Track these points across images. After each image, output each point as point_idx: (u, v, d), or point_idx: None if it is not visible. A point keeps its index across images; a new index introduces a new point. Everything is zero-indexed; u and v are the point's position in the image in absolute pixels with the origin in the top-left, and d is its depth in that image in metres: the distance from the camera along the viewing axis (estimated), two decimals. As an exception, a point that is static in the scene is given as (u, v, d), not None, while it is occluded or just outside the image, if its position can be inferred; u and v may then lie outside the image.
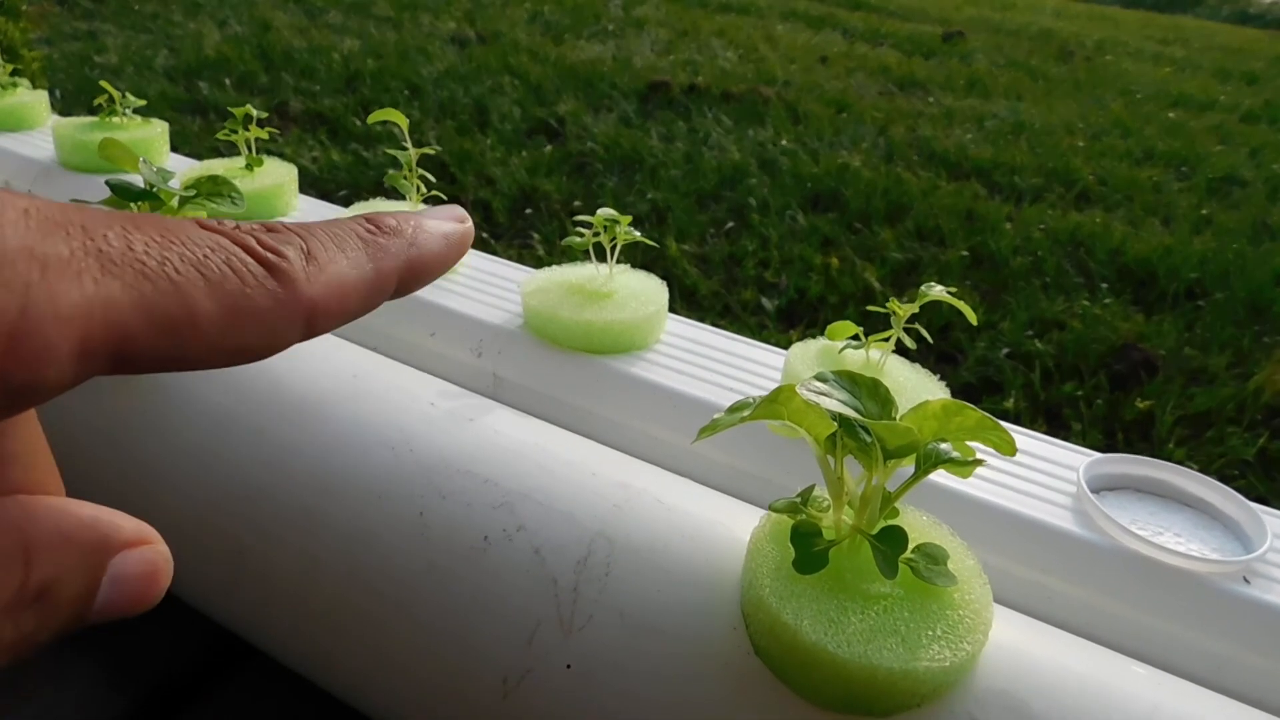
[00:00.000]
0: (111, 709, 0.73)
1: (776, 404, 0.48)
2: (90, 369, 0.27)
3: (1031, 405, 2.37)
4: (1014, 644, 0.52)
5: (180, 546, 0.68)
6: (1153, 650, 0.61)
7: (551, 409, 0.82)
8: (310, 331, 0.32)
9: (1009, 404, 2.31)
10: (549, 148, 3.92)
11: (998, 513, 0.67)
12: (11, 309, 0.25)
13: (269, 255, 0.31)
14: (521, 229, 3.13)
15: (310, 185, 3.01)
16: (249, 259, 0.30)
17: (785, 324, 2.66)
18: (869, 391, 0.49)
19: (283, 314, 0.31)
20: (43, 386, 0.25)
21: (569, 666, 0.55)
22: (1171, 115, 5.42)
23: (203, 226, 0.31)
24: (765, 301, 2.74)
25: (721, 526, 0.60)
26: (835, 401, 0.47)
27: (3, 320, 0.24)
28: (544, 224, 3.11)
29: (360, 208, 1.00)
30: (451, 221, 0.42)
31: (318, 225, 0.35)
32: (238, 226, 0.32)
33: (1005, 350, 2.53)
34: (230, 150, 1.14)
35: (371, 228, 0.37)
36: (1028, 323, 2.68)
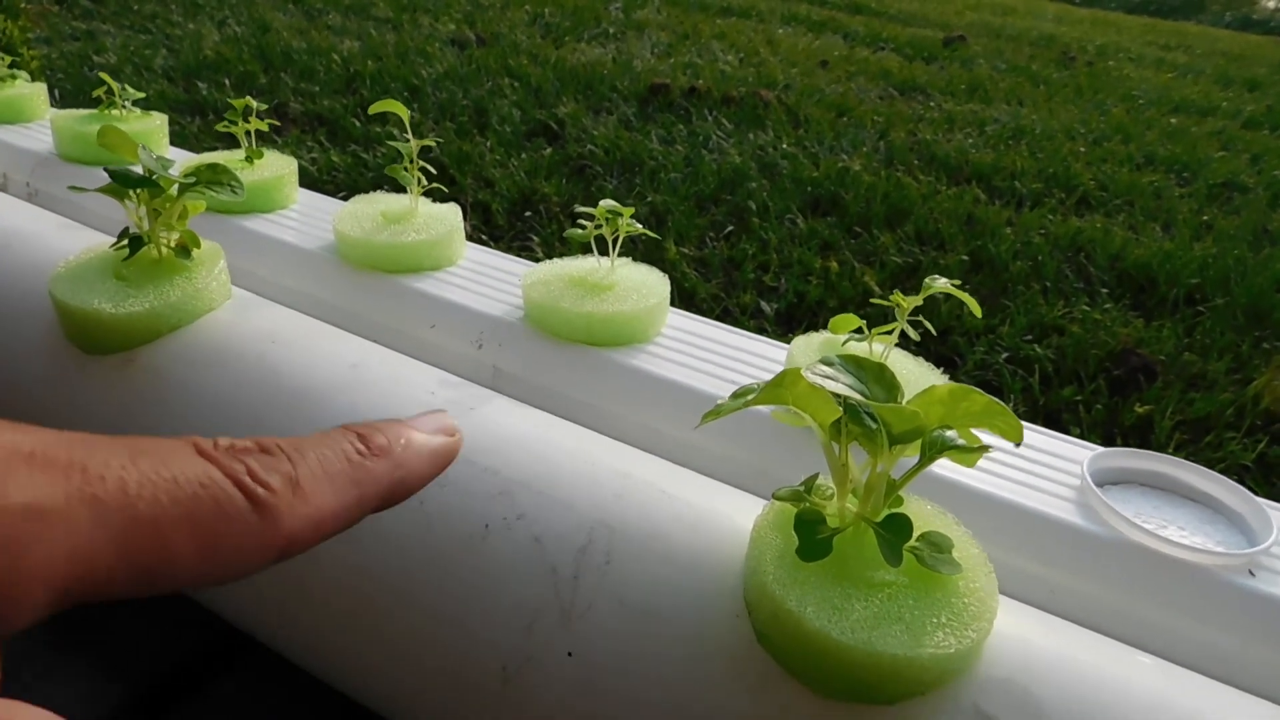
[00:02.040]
0: (107, 702, 0.73)
1: (781, 388, 0.48)
2: (58, 609, 0.28)
3: (1031, 409, 2.37)
4: (1019, 633, 0.51)
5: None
6: (1158, 643, 0.61)
7: (552, 401, 0.81)
8: (280, 560, 0.34)
9: (1009, 408, 2.29)
10: (548, 150, 3.91)
11: (1002, 506, 0.66)
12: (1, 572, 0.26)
13: (257, 490, 0.32)
14: (521, 231, 3.12)
15: (309, 186, 2.97)
16: (236, 494, 0.32)
17: (784, 328, 2.65)
18: (875, 376, 0.48)
19: (258, 548, 0.32)
20: (7, 630, 0.27)
21: (570, 654, 0.55)
22: (1173, 121, 5.42)
23: (200, 453, 0.32)
24: (764, 305, 2.74)
25: (723, 515, 0.60)
26: (841, 385, 0.46)
27: None
28: (543, 226, 3.11)
29: (359, 202, 1.00)
30: (441, 435, 0.42)
31: (310, 443, 0.36)
32: (232, 447, 0.33)
33: (1005, 354, 2.53)
34: (231, 146, 1.13)
35: (362, 448, 0.37)
36: (1027, 327, 2.67)
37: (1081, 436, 2.30)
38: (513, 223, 3.18)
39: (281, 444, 0.35)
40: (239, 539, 0.31)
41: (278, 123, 1.04)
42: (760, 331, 2.80)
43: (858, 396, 0.46)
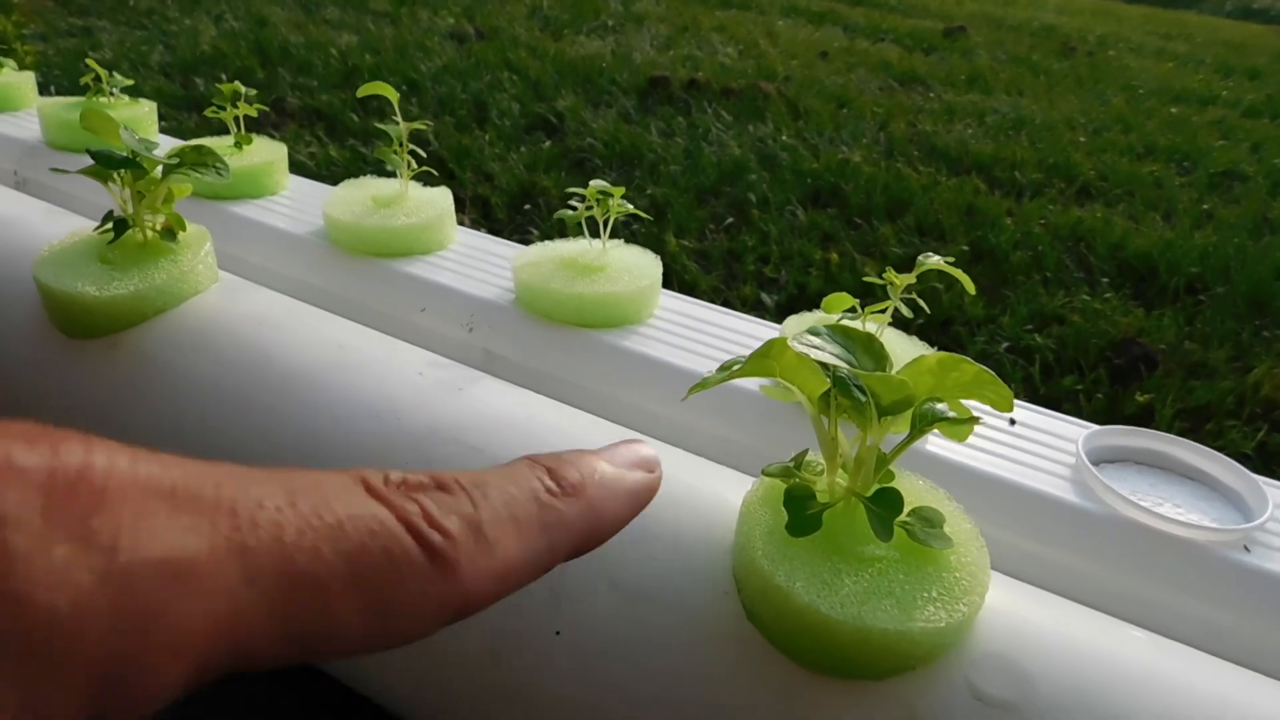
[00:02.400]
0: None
1: (768, 359, 0.47)
2: (196, 686, 0.24)
3: (1032, 399, 2.35)
4: (1011, 608, 0.51)
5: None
6: (1153, 619, 0.60)
7: (544, 383, 0.81)
8: (456, 621, 0.29)
9: (1009, 397, 2.29)
10: (548, 144, 3.90)
11: (998, 483, 0.66)
12: (128, 646, 0.22)
13: (433, 537, 0.28)
14: (520, 225, 3.12)
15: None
16: (410, 543, 0.27)
17: (784, 319, 2.64)
18: (863, 346, 0.48)
19: (433, 609, 0.28)
20: (135, 715, 0.23)
21: (558, 633, 0.54)
22: (1173, 110, 5.40)
23: (368, 489, 0.28)
24: (765, 297, 2.73)
25: (713, 493, 0.59)
26: (828, 354, 0.46)
27: (114, 658, 0.22)
28: (543, 220, 3.10)
29: (349, 186, 0.99)
30: (639, 472, 0.38)
31: (493, 480, 0.32)
32: (405, 482, 0.29)
33: (1005, 344, 2.52)
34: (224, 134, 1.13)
35: (552, 485, 0.33)
36: (1028, 317, 2.66)
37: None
38: (512, 216, 3.18)
39: (460, 479, 0.30)
40: (412, 598, 0.27)
41: (266, 108, 1.03)
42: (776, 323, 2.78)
43: (845, 366, 0.46)
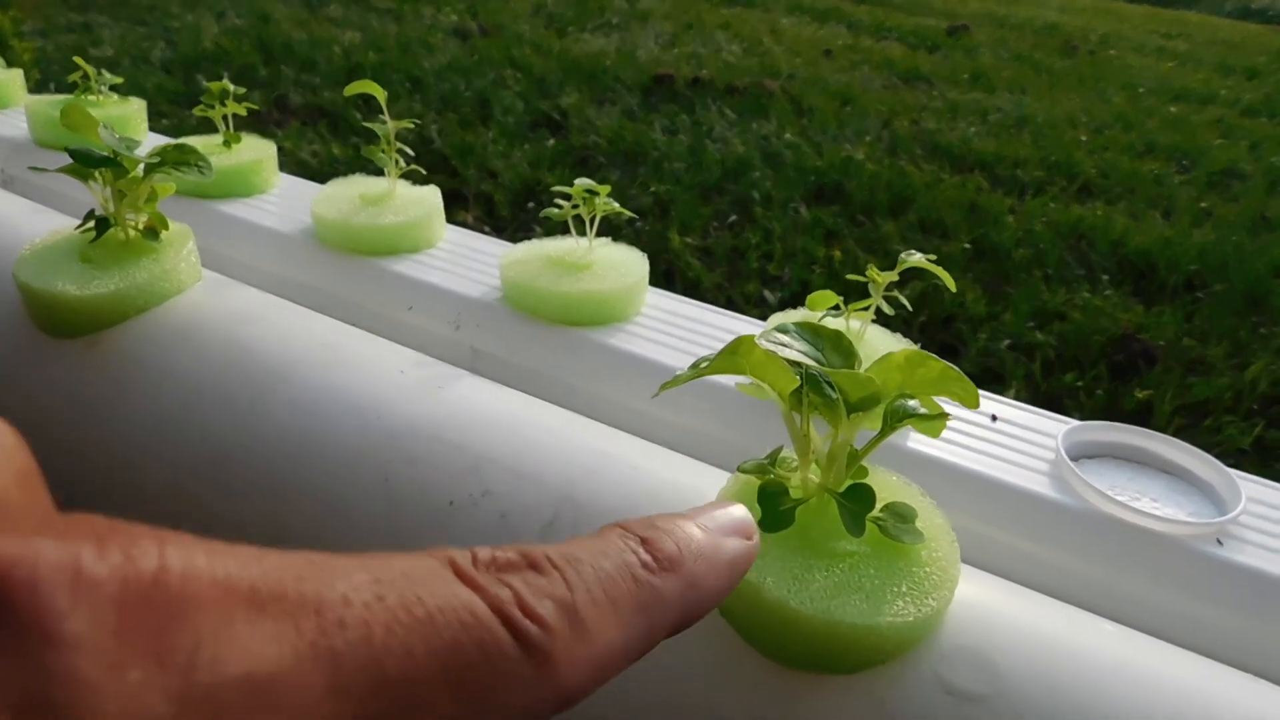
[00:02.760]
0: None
1: (736, 356, 0.47)
2: None
3: (1033, 395, 2.36)
4: (982, 602, 0.51)
5: (150, 512, 0.67)
6: (1127, 612, 0.60)
7: (530, 381, 0.81)
8: (552, 716, 0.27)
9: (1010, 394, 2.29)
10: (552, 141, 3.91)
11: (978, 479, 0.66)
12: None
13: (529, 629, 0.26)
14: (524, 222, 3.13)
15: (311, 179, 2.97)
16: (505, 636, 0.26)
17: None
18: (831, 343, 0.48)
19: (527, 706, 0.26)
20: None
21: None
22: (1173, 109, 5.41)
23: (457, 574, 0.26)
24: (768, 294, 2.73)
25: (690, 489, 0.59)
26: (795, 351, 0.46)
27: None
28: (547, 218, 3.11)
29: (337, 184, 0.99)
30: (736, 539, 0.36)
31: (585, 555, 0.30)
32: (494, 561, 0.28)
33: (1007, 341, 2.52)
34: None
35: (648, 559, 0.31)
36: (1029, 314, 2.67)
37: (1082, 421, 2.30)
38: (516, 214, 3.19)
39: (551, 556, 0.29)
40: (507, 695, 0.25)
41: (257, 106, 1.03)
42: (764, 320, 2.78)
43: (812, 363, 0.46)
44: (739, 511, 0.38)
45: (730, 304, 2.71)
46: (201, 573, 0.21)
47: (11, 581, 0.18)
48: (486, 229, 2.96)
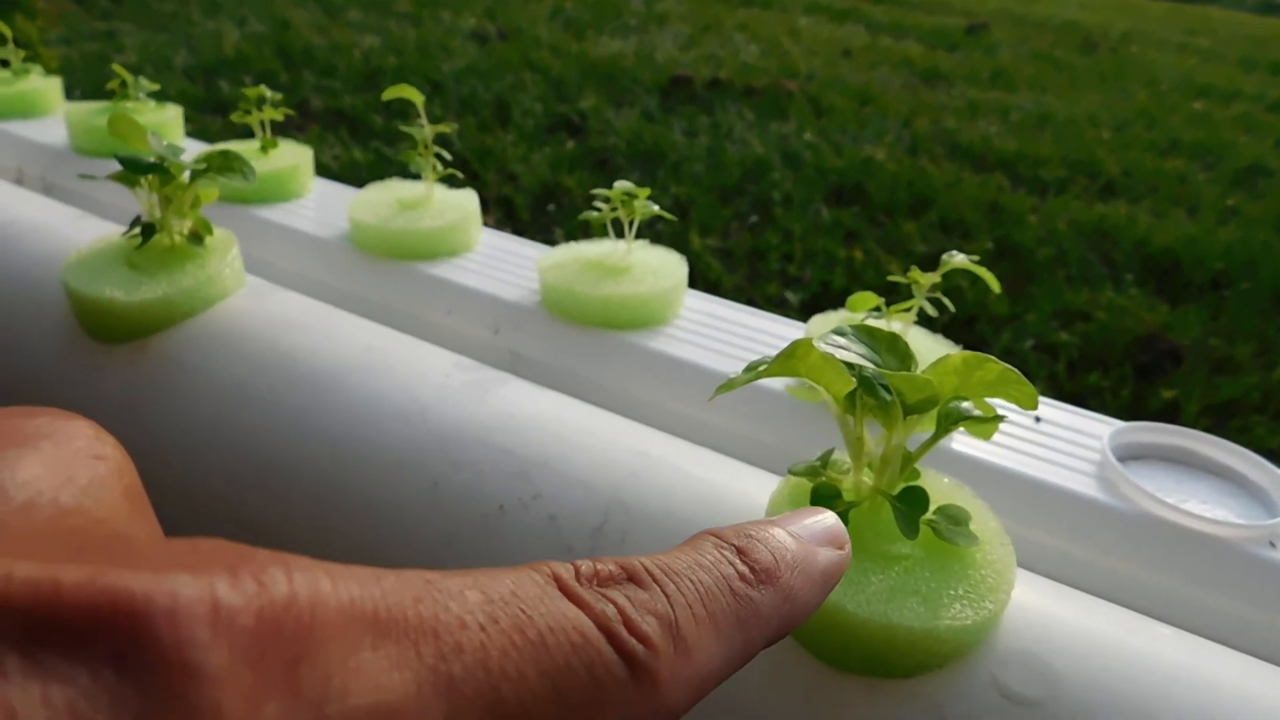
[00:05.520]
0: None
1: (793, 359, 0.47)
2: None
3: (1057, 396, 2.34)
4: (1037, 605, 0.51)
5: (194, 518, 0.68)
6: (1179, 616, 0.60)
7: (569, 384, 0.81)
8: None
9: (1035, 394, 2.28)
10: (571, 143, 3.91)
11: (1024, 481, 0.66)
12: None
13: (635, 648, 0.26)
14: (544, 225, 3.13)
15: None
16: (611, 655, 0.25)
17: (809, 317, 2.64)
18: (888, 346, 0.48)
19: None
20: None
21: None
22: (1197, 106, 5.39)
23: (563, 589, 0.26)
24: (789, 295, 2.73)
25: (739, 492, 0.59)
26: (854, 354, 0.46)
27: None
28: (567, 220, 3.11)
29: (374, 189, 1.00)
30: (829, 549, 0.35)
31: (682, 567, 0.30)
32: (595, 575, 0.28)
33: (1030, 342, 2.52)
34: (248, 138, 1.13)
35: (745, 570, 0.31)
36: (1052, 314, 2.66)
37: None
38: (536, 216, 3.19)
39: (650, 568, 0.29)
40: (613, 717, 0.25)
41: (292, 112, 1.03)
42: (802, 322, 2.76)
43: (870, 366, 0.46)
44: (830, 520, 0.37)
45: (751, 305, 2.71)
46: (329, 599, 0.21)
47: (152, 614, 0.18)
48: (507, 231, 2.94)
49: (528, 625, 0.24)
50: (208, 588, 0.19)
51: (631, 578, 0.28)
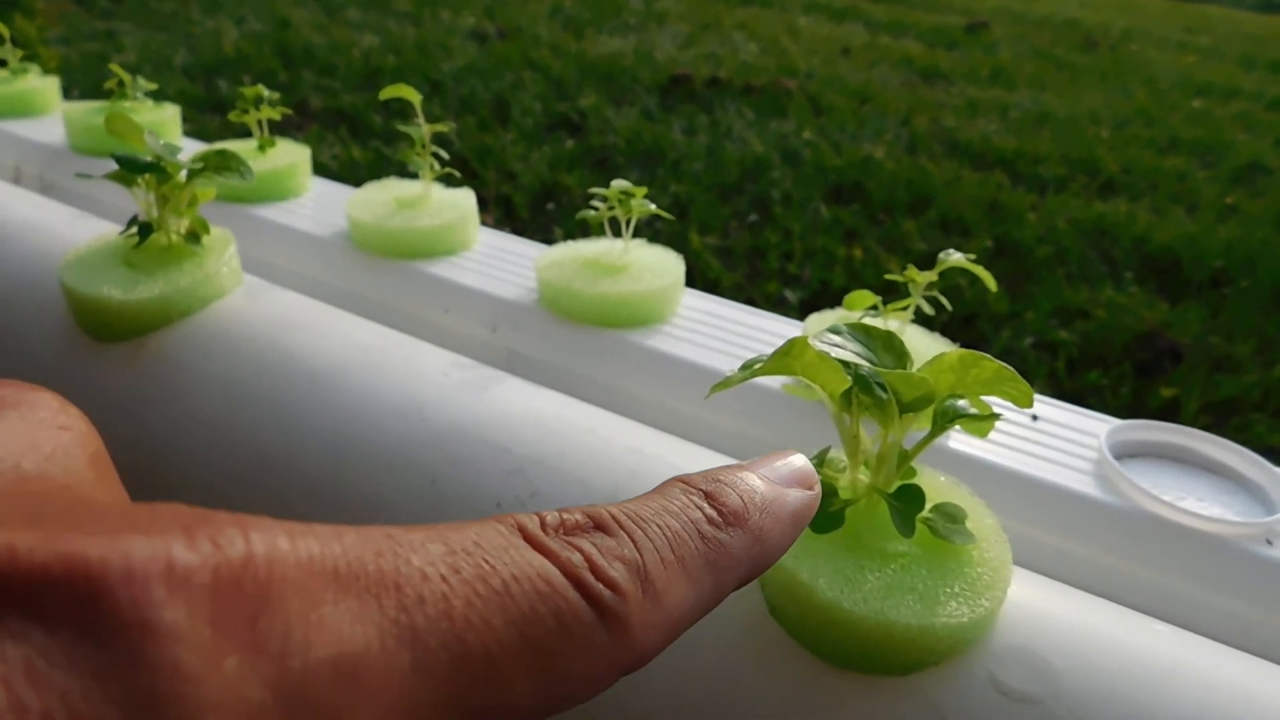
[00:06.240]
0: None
1: (789, 357, 0.47)
2: None
3: (1057, 394, 2.34)
4: (1034, 603, 0.51)
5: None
6: (1176, 613, 0.60)
7: (567, 383, 0.81)
8: (623, 676, 0.27)
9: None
10: (570, 142, 3.91)
11: (1020, 479, 0.66)
12: None
13: (603, 593, 0.26)
14: (544, 223, 3.13)
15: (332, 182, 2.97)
16: (578, 601, 0.26)
17: (808, 316, 2.64)
18: (884, 344, 0.48)
19: (603, 673, 0.27)
20: None
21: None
22: (1196, 104, 5.39)
23: (527, 539, 0.26)
24: (789, 294, 2.73)
25: (736, 490, 0.59)
26: (849, 353, 0.46)
27: None
28: (566, 218, 3.11)
29: (371, 188, 1.00)
30: (798, 489, 0.36)
31: (650, 513, 0.30)
32: (562, 525, 0.28)
33: (1030, 340, 2.52)
34: (246, 137, 1.13)
35: (713, 514, 0.31)
36: (1052, 312, 2.66)
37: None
38: (535, 215, 3.19)
39: (617, 515, 0.29)
40: (584, 661, 0.26)
41: (290, 111, 1.03)
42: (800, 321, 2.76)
43: (866, 364, 0.46)
44: (799, 461, 0.38)
45: (750, 303, 2.71)
46: (287, 556, 0.22)
47: (107, 575, 0.19)
48: (506, 231, 2.94)
49: (491, 575, 0.24)
50: (163, 548, 0.20)
51: (599, 525, 0.28)
